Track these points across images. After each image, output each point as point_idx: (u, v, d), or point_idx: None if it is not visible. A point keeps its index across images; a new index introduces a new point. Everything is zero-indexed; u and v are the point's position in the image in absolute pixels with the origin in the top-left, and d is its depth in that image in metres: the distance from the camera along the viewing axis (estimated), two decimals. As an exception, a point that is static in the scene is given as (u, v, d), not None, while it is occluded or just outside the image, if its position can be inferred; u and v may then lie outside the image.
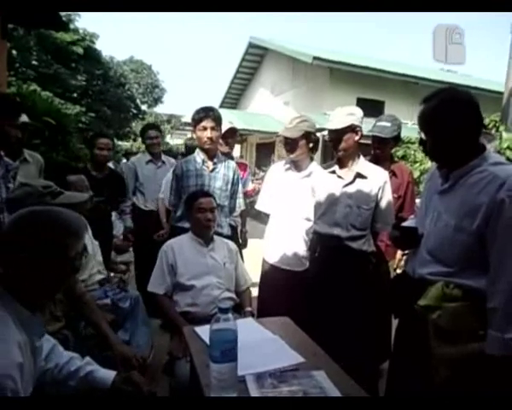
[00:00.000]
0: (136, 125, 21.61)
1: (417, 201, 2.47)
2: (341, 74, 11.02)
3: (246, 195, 3.19)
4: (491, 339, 1.22)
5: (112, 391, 1.24)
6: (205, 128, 2.49)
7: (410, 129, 7.21)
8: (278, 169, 2.59)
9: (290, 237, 2.44)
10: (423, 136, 1.44)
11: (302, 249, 2.42)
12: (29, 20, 4.40)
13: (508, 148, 4.38)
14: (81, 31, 15.95)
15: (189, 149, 3.57)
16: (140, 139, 4.98)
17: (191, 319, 1.98)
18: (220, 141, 2.81)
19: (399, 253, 2.58)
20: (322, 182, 2.26)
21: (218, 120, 2.53)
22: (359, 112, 2.16)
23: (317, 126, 2.58)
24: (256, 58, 15.63)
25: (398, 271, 2.56)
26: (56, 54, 14.70)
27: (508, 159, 4.05)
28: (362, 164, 2.19)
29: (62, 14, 5.27)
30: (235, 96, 18.21)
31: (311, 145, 2.43)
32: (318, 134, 2.53)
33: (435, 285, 1.37)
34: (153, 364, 2.06)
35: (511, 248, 1.21)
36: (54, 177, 2.25)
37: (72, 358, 1.28)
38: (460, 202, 1.35)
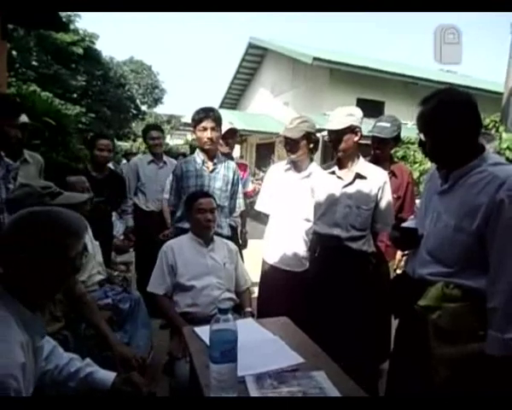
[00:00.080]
0: (136, 126, 21.63)
1: (417, 201, 2.47)
2: (341, 75, 11.03)
3: (246, 195, 3.19)
4: (491, 339, 1.22)
5: (112, 392, 1.24)
6: (205, 129, 2.50)
7: (410, 129, 7.19)
8: (278, 170, 2.59)
9: (290, 237, 2.44)
10: (422, 137, 1.44)
11: (302, 250, 2.42)
12: (29, 21, 4.41)
13: (507, 148, 4.37)
14: (81, 31, 15.99)
15: (194, 150, 3.59)
16: (140, 140, 4.98)
17: (191, 320, 1.97)
18: (220, 141, 2.81)
19: (399, 253, 2.58)
20: (321, 182, 2.26)
21: (218, 121, 2.53)
22: (359, 112, 2.16)
23: (317, 127, 2.58)
24: (256, 58, 15.64)
25: (398, 271, 2.56)
26: (56, 54, 14.73)
27: (507, 159, 4.06)
28: (361, 164, 2.19)
29: (62, 14, 5.28)
30: (235, 96, 18.21)
31: (311, 146, 2.44)
32: (318, 134, 2.53)
33: (435, 286, 1.37)
34: (153, 364, 2.06)
35: (511, 248, 1.21)
36: (54, 177, 2.26)
37: (72, 359, 1.28)
38: (459, 203, 1.35)
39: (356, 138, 2.13)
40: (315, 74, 11.69)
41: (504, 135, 4.61)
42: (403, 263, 2.12)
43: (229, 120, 3.44)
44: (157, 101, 25.58)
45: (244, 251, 3.16)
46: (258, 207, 2.68)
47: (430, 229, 1.45)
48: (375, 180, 2.14)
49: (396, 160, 3.30)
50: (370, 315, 2.10)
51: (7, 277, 1.01)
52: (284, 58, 12.93)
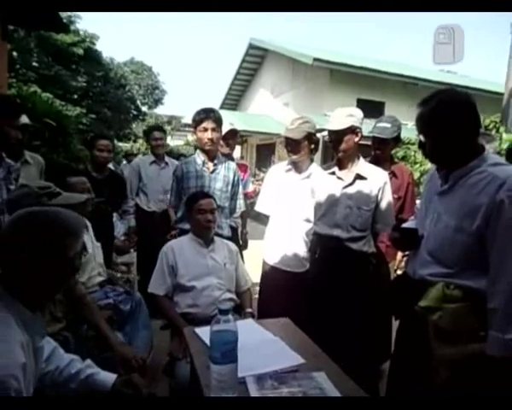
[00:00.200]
0: (137, 127, 21.64)
1: (417, 202, 2.47)
2: (341, 75, 11.04)
3: (246, 196, 3.19)
4: (492, 340, 1.22)
5: (112, 394, 1.24)
6: (205, 129, 2.50)
7: (410, 130, 7.17)
8: (278, 170, 2.59)
9: (290, 238, 2.44)
10: (422, 138, 1.44)
11: (302, 250, 2.42)
12: (29, 22, 4.42)
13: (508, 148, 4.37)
14: (81, 32, 15.99)
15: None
16: (140, 141, 4.99)
17: (191, 320, 1.97)
18: (221, 142, 2.81)
19: (400, 254, 2.58)
20: (321, 183, 2.26)
21: (218, 122, 2.53)
22: (359, 113, 2.16)
23: (317, 127, 2.59)
24: (256, 59, 15.66)
25: (399, 272, 2.57)
26: (57, 55, 14.74)
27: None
28: (361, 165, 2.19)
29: (63, 15, 5.29)
30: (236, 97, 18.23)
31: (312, 146, 2.44)
32: (318, 135, 2.53)
33: (436, 286, 1.37)
34: (153, 365, 2.06)
35: (511, 248, 1.21)
36: (54, 178, 2.26)
37: (73, 360, 1.28)
38: (460, 203, 1.35)
39: (356, 139, 2.13)
40: (315, 75, 11.69)
41: (504, 136, 4.62)
42: (403, 264, 2.12)
43: (230, 120, 3.44)
44: (157, 102, 25.58)
45: (244, 252, 3.16)
46: (258, 208, 2.68)
47: (430, 229, 1.45)
48: (375, 181, 2.14)
49: (396, 160, 3.30)
50: (370, 316, 2.10)
51: (6, 277, 1.01)
52: (284, 59, 12.94)
